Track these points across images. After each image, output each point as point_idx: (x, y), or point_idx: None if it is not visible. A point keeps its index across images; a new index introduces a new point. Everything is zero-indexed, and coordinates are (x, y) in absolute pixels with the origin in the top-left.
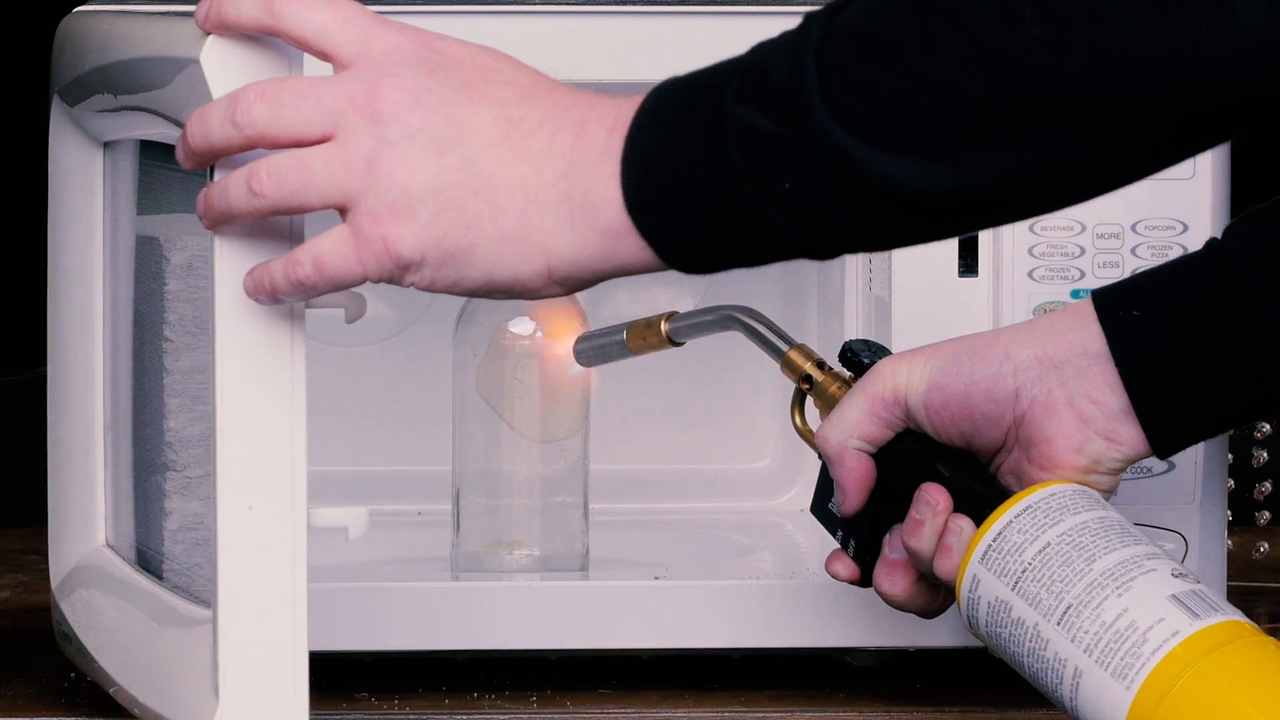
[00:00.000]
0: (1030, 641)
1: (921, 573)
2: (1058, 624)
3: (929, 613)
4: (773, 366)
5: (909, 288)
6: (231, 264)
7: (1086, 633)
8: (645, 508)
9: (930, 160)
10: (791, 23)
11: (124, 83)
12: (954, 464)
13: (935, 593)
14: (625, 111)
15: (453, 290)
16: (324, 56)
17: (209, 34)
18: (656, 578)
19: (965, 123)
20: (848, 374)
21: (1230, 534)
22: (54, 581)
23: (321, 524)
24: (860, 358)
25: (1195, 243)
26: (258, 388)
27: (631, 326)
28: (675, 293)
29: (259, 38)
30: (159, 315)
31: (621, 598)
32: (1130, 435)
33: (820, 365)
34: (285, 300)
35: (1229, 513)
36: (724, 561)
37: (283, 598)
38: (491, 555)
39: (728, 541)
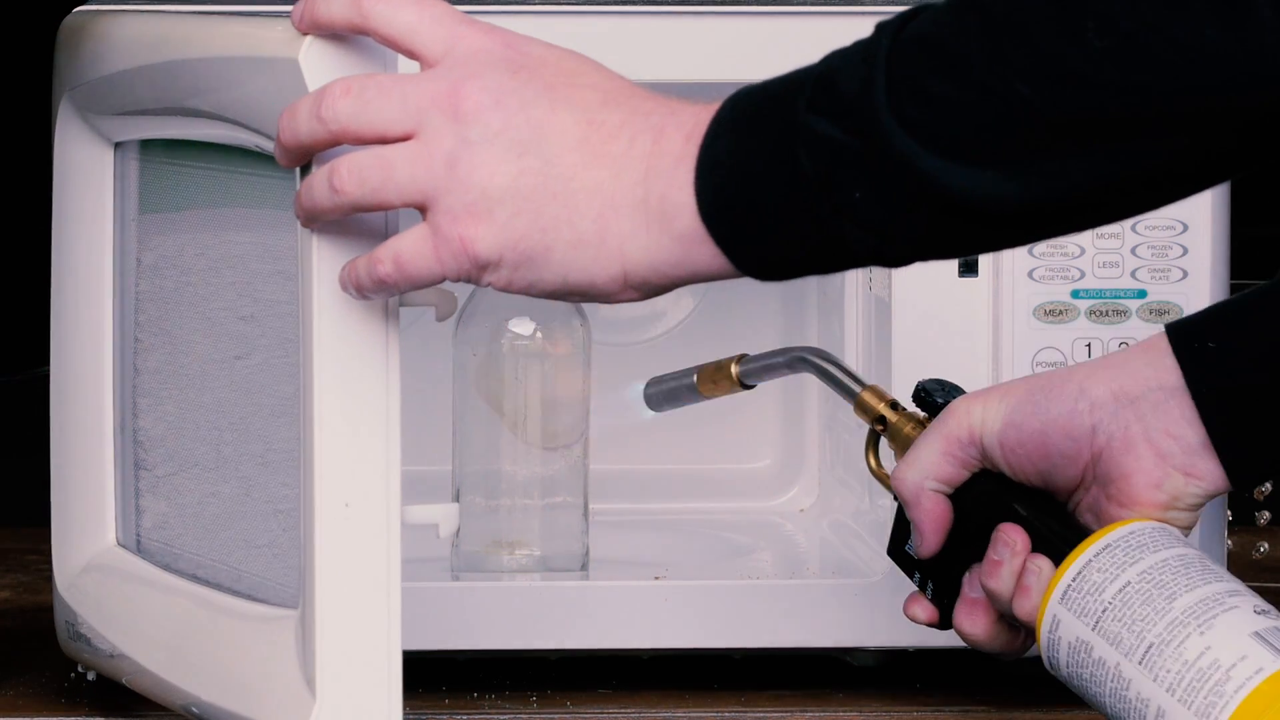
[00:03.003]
0: (1112, 681)
1: (1001, 613)
2: (1139, 663)
3: (1010, 653)
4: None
5: (909, 288)
6: (327, 261)
7: (1169, 671)
8: (645, 508)
9: (997, 171)
10: (870, 24)
11: (184, 85)
12: (1031, 503)
13: (1016, 633)
14: (703, 118)
15: (529, 291)
16: (410, 54)
17: (305, 35)
18: (656, 578)
19: (1031, 134)
20: (922, 414)
21: (1230, 534)
22: (60, 582)
23: (412, 521)
24: (934, 397)
25: (1195, 243)
26: (354, 384)
27: (701, 370)
28: (675, 294)
29: (354, 39)
30: (136, 315)
31: (621, 598)
32: (1209, 470)
33: (894, 406)
34: (371, 297)
35: (1229, 513)
36: (724, 561)
37: (378, 595)
38: (491, 555)
39: (728, 541)
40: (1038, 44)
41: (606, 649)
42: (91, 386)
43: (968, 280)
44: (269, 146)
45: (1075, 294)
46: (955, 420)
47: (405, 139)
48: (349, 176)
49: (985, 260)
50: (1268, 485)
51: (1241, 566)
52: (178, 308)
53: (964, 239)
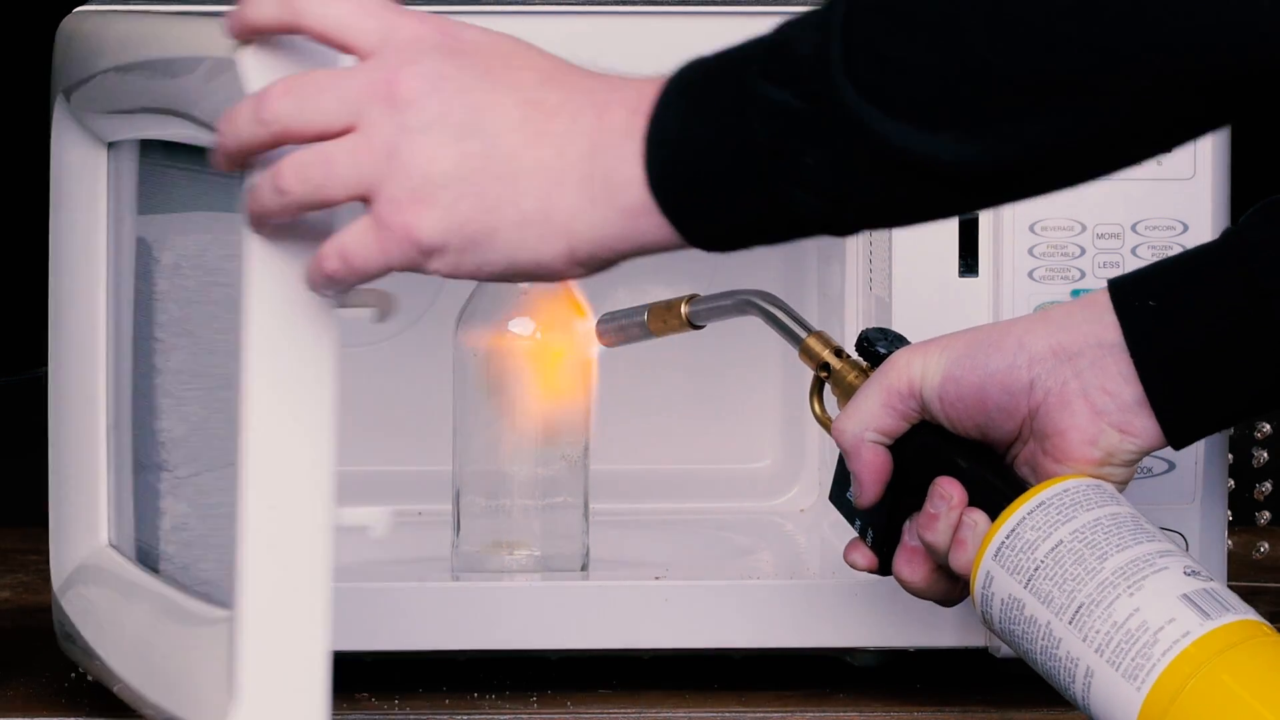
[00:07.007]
0: (1043, 639)
1: (939, 563)
2: (1070, 623)
3: (948, 601)
4: (774, 366)
5: (909, 288)
6: (262, 263)
7: (1098, 632)
8: (645, 508)
9: (954, 133)
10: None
11: (148, 83)
12: (969, 456)
13: (954, 582)
14: (648, 92)
15: (476, 275)
16: (345, 49)
17: (239, 39)
18: (656, 578)
19: (989, 95)
20: (865, 363)
21: (1230, 534)
22: (55, 582)
23: (344, 523)
24: (876, 347)
25: (1195, 243)
26: (285, 386)
27: (652, 308)
28: (675, 290)
29: (295, 39)
30: (150, 315)
31: (621, 598)
32: (1144, 426)
33: (838, 353)
34: (325, 294)
35: (1229, 513)
36: (724, 561)
37: (304, 598)
38: (492, 555)
39: (728, 541)
40: (997, 2)
41: (607, 649)
42: (87, 387)
43: (968, 280)
44: None
45: (1076, 294)
46: (896, 372)
47: (346, 133)
48: (292, 176)
49: (985, 260)
50: (1268, 485)
51: (1241, 566)
52: (188, 306)
53: (918, 204)
